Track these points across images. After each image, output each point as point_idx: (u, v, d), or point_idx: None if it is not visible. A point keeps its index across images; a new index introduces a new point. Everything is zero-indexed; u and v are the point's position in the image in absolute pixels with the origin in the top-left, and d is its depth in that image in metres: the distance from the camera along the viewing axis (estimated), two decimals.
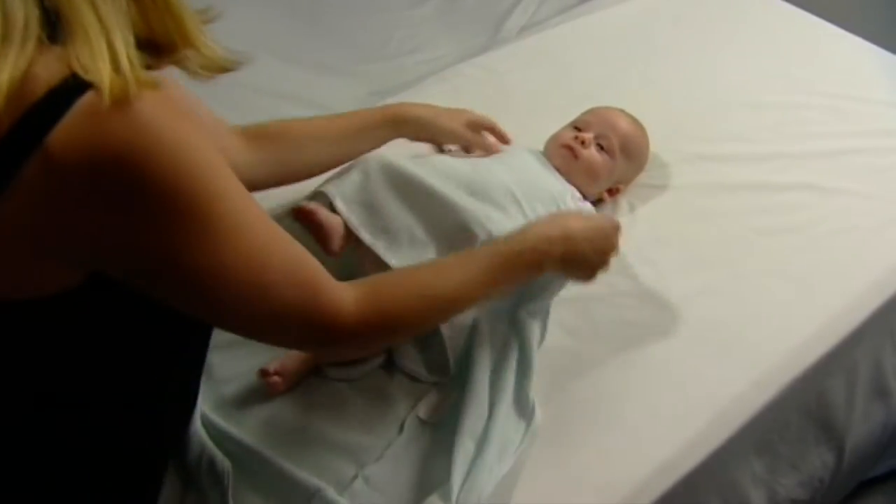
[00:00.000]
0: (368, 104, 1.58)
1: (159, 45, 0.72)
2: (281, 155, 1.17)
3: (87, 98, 0.65)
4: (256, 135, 1.16)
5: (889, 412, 1.35)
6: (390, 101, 1.56)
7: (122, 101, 0.65)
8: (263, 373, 1.07)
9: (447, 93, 1.59)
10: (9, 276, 0.70)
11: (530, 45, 1.75)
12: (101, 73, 0.65)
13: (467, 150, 1.37)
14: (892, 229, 1.34)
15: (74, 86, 0.65)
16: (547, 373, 1.13)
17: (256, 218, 0.77)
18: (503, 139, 1.38)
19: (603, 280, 1.24)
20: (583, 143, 1.31)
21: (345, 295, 0.84)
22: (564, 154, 1.31)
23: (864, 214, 1.36)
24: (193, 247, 0.71)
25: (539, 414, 1.06)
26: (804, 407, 1.22)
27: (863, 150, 1.48)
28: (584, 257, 1.04)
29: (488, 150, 1.35)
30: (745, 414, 1.10)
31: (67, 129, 0.64)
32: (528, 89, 1.62)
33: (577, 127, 1.35)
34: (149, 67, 0.70)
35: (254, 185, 1.09)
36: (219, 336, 1.08)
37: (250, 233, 0.75)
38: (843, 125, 1.54)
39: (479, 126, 1.35)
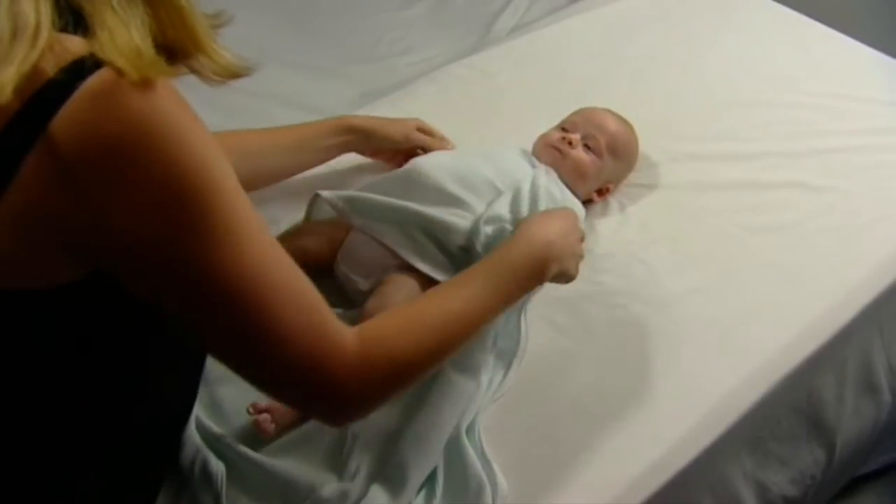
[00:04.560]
0: (359, 106, 1.60)
1: (174, 50, 0.73)
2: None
3: (95, 81, 0.65)
4: None
5: (879, 408, 1.36)
6: (381, 102, 1.57)
7: (140, 81, 0.65)
8: (255, 408, 1.04)
9: (438, 93, 1.60)
10: (15, 266, 0.69)
11: (521, 45, 1.75)
12: (124, 55, 0.66)
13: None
14: (880, 227, 1.35)
15: (78, 72, 0.65)
16: (538, 371, 1.13)
17: (260, 232, 0.74)
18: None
19: (594, 279, 1.26)
20: (570, 143, 1.31)
21: (347, 333, 0.78)
22: (552, 154, 1.32)
23: (853, 212, 1.37)
24: (194, 240, 0.70)
25: (525, 337, 1.13)
26: (795, 404, 1.22)
27: (852, 148, 1.49)
28: (565, 254, 1.05)
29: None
30: (735, 411, 1.11)
31: (72, 111, 0.64)
32: (519, 90, 1.62)
33: (564, 128, 1.36)
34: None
35: None
36: None
37: (254, 243, 0.73)
38: (832, 124, 1.54)
39: (431, 134, 1.36)
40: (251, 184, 1.22)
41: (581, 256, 1.10)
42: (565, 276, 1.08)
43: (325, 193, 1.22)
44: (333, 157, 1.34)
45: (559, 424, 1.08)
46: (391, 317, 0.88)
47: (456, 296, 0.91)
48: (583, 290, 1.24)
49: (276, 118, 1.59)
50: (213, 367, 1.08)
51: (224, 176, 0.71)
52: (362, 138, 1.33)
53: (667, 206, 1.39)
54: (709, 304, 1.23)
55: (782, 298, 1.24)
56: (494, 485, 0.99)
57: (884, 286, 1.27)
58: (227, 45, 0.76)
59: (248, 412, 1.03)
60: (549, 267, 1.02)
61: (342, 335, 0.78)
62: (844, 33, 1.77)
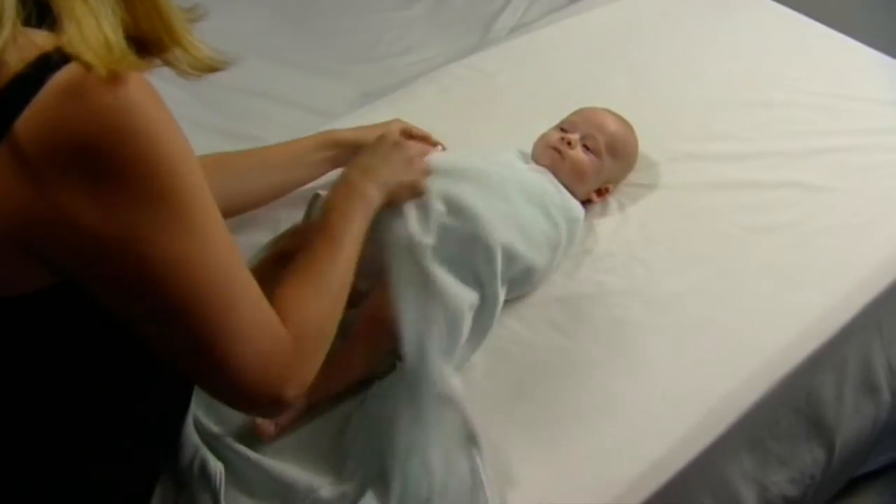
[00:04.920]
0: (359, 105, 1.60)
1: (147, 42, 0.71)
2: (219, 186, 1.16)
3: (62, 77, 0.64)
4: None
5: (878, 408, 1.36)
6: (381, 102, 1.57)
7: (109, 76, 0.64)
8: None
9: (437, 93, 1.60)
10: None
11: (520, 45, 1.75)
12: (92, 49, 0.65)
13: None
14: (879, 226, 1.35)
15: (44, 67, 0.64)
16: (538, 371, 1.13)
17: (219, 226, 0.75)
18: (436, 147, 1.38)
19: (594, 279, 1.26)
20: (569, 143, 1.31)
21: (278, 320, 0.81)
22: (551, 155, 1.32)
23: (853, 212, 1.37)
24: (162, 236, 0.69)
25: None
26: (794, 404, 1.22)
27: (851, 147, 1.49)
28: (382, 165, 1.09)
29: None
30: (735, 411, 1.11)
31: (38, 109, 0.63)
32: (518, 90, 1.62)
33: (563, 128, 1.36)
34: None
35: None
36: None
37: (217, 238, 0.74)
38: (831, 123, 1.54)
39: (412, 134, 1.35)
40: (243, 205, 1.23)
41: (410, 161, 1.13)
42: (409, 189, 1.12)
43: (325, 193, 1.22)
44: (323, 173, 1.32)
45: (559, 424, 1.08)
46: (297, 289, 0.88)
47: (330, 250, 0.95)
48: (583, 290, 1.25)
49: (275, 118, 1.59)
50: None
51: (191, 171, 0.71)
52: (349, 151, 1.31)
53: (666, 206, 1.39)
54: (709, 304, 1.22)
55: (782, 298, 1.23)
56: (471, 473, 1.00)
57: (883, 286, 1.27)
58: (203, 39, 0.75)
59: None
60: (357, 181, 1.06)
61: (280, 324, 0.80)
62: (844, 33, 1.77)
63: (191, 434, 1.01)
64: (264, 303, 0.79)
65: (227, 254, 0.75)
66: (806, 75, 1.66)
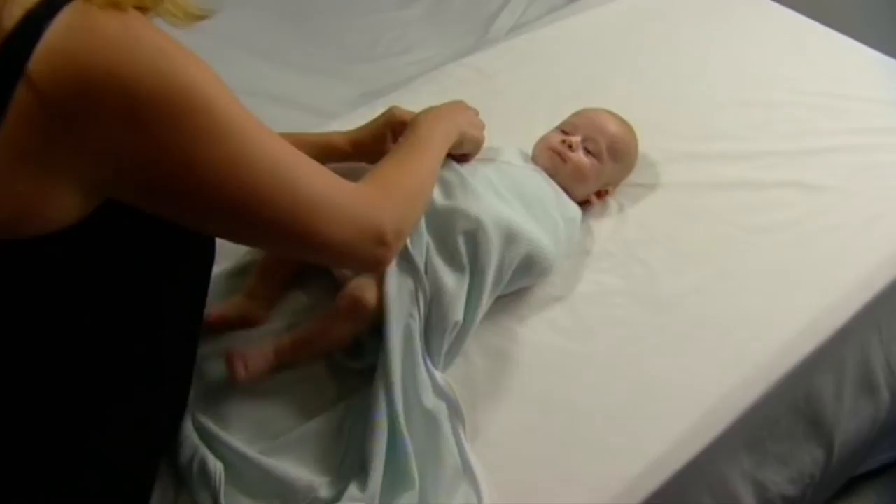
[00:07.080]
0: (358, 105, 1.59)
1: None
2: None
3: (67, 14, 0.65)
4: None
5: (877, 407, 1.36)
6: (380, 102, 1.57)
7: (112, 6, 0.66)
8: (228, 357, 1.06)
9: (436, 93, 1.59)
10: (13, 209, 0.68)
11: (519, 45, 1.76)
12: None
13: None
14: (878, 226, 1.35)
15: (49, 8, 0.66)
16: (537, 371, 1.13)
17: (259, 123, 0.77)
18: None
19: (593, 279, 1.26)
20: (570, 146, 1.31)
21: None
22: (552, 157, 1.32)
23: (852, 211, 1.37)
24: (201, 147, 0.71)
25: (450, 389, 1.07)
26: (793, 403, 1.22)
27: (850, 147, 1.49)
28: (457, 113, 1.23)
29: None
30: (734, 411, 1.11)
31: (50, 47, 0.64)
32: (518, 89, 1.62)
33: (564, 130, 1.35)
34: None
35: None
36: (211, 341, 1.09)
37: (257, 130, 0.76)
38: (830, 123, 1.55)
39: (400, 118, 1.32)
40: None
41: (482, 126, 1.27)
42: (474, 142, 1.24)
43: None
44: None
45: (559, 424, 1.08)
46: (376, 168, 1.00)
47: (415, 152, 1.07)
48: (582, 290, 1.25)
49: (274, 118, 1.57)
50: (212, 368, 1.09)
51: (209, 80, 0.72)
52: (343, 158, 1.31)
53: (666, 206, 1.39)
54: (708, 304, 1.23)
55: (780, 297, 1.24)
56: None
57: (882, 285, 1.27)
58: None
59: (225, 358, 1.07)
60: (454, 128, 1.18)
61: (352, 184, 0.88)
62: (844, 33, 1.78)
63: (190, 433, 1.01)
64: (328, 172, 0.84)
65: (271, 141, 0.78)
66: (806, 75, 1.66)
